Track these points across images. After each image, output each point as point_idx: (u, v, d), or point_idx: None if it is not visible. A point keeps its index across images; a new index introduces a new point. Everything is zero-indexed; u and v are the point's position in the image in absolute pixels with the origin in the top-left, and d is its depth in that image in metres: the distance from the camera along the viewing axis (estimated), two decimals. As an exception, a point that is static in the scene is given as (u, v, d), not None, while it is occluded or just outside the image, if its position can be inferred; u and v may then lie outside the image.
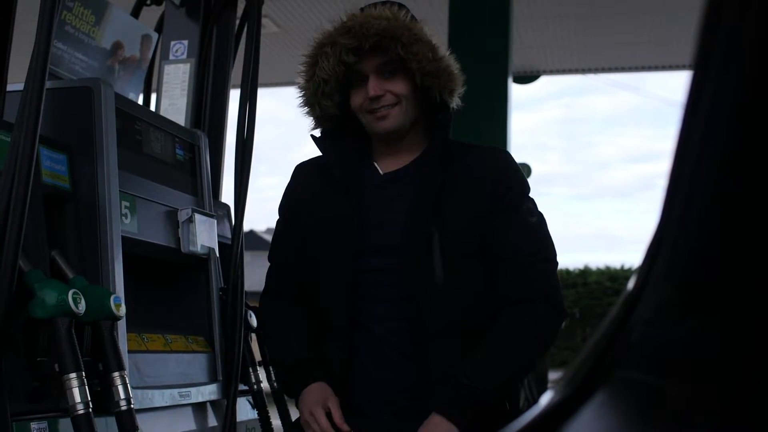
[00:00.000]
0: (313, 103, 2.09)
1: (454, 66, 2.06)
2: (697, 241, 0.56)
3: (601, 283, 20.05)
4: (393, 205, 2.09)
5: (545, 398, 0.69)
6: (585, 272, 20.47)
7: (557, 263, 2.07)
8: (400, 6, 2.08)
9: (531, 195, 2.10)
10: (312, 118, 2.13)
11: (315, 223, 2.13)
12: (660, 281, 0.59)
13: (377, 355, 2.04)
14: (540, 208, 2.10)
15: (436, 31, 2.09)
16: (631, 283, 0.63)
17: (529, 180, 2.16)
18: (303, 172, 2.27)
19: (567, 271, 20.52)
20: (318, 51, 2.05)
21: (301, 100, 2.12)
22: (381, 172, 2.15)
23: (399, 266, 2.02)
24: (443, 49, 2.05)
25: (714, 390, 0.51)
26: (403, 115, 2.06)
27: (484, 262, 2.03)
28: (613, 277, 19.98)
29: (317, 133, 2.17)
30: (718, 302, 0.53)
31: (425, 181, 2.06)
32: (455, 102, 2.09)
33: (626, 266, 19.95)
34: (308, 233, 2.14)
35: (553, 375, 8.98)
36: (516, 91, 9.81)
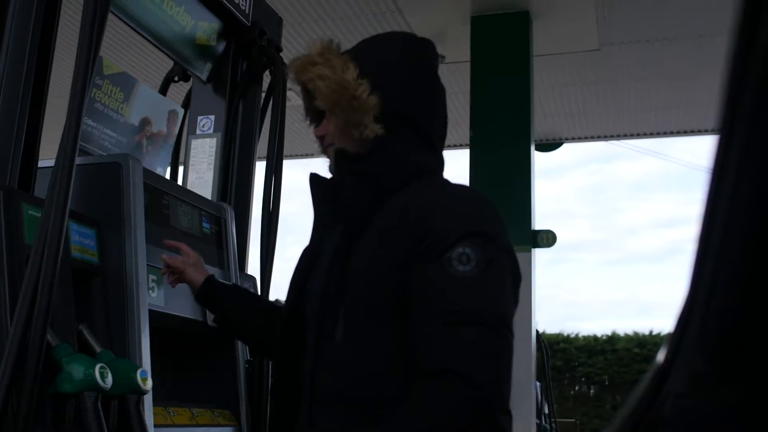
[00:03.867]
0: None
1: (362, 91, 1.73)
2: (728, 310, 0.56)
3: (630, 349, 19.77)
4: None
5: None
6: (613, 338, 20.21)
7: (500, 327, 1.56)
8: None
9: (474, 236, 1.61)
10: None
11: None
12: (691, 352, 0.58)
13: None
14: (488, 256, 1.59)
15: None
16: (661, 354, 0.62)
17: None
18: None
19: (594, 338, 20.27)
20: None
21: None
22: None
23: (315, 314, 1.74)
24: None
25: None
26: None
27: (399, 322, 1.63)
28: (642, 343, 19.68)
29: None
30: (750, 373, 0.53)
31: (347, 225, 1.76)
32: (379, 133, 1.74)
33: (655, 332, 19.68)
34: None
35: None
36: (542, 159, 9.86)
